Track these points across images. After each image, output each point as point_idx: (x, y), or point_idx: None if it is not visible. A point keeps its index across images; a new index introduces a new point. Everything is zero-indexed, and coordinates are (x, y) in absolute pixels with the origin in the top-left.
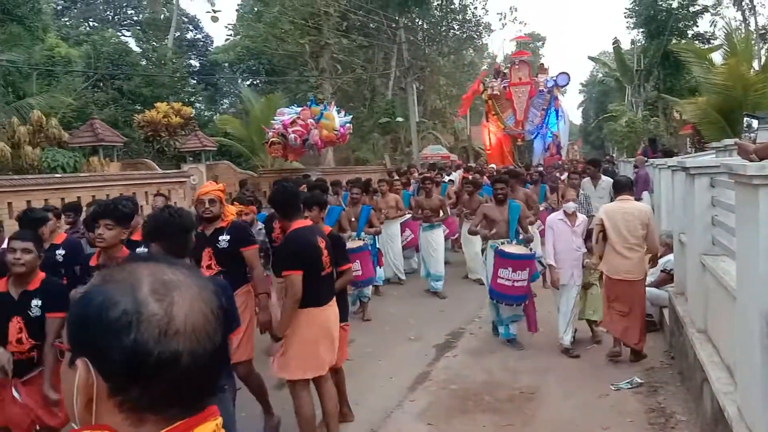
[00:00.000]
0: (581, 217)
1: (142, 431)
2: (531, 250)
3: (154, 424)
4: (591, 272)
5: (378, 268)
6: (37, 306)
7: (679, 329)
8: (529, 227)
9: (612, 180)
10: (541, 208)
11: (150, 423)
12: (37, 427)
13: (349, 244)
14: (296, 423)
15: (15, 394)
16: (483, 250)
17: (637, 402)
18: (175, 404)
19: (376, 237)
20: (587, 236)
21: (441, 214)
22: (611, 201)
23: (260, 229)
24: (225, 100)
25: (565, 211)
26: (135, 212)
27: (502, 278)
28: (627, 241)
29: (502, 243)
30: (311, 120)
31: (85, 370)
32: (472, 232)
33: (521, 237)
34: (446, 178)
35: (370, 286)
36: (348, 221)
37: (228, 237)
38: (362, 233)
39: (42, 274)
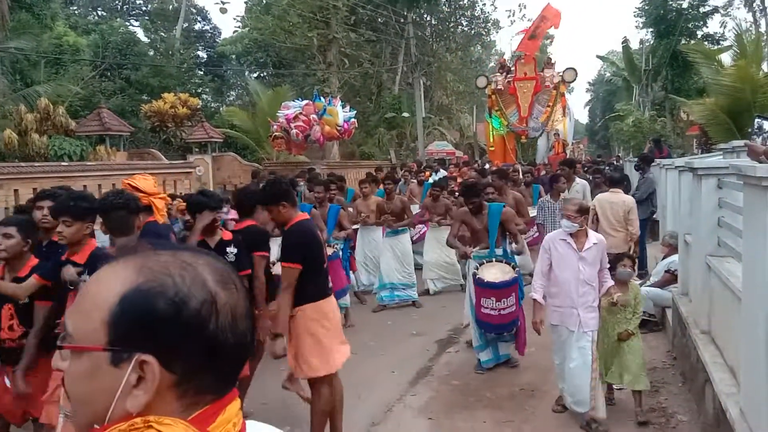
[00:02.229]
0: (595, 238)
1: (190, 413)
2: (515, 269)
3: (204, 404)
4: (627, 316)
5: (351, 274)
6: None
7: (682, 330)
8: (521, 237)
9: (586, 182)
10: (534, 212)
11: (202, 404)
12: (30, 418)
13: None
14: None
15: (7, 382)
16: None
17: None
18: (229, 382)
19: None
20: (612, 264)
21: (405, 217)
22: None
23: None
24: (232, 92)
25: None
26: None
27: (487, 308)
28: (612, 224)
29: (481, 263)
30: (314, 116)
31: (158, 367)
32: (450, 245)
33: (511, 248)
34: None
35: (347, 295)
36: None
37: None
38: (331, 238)
39: (34, 261)
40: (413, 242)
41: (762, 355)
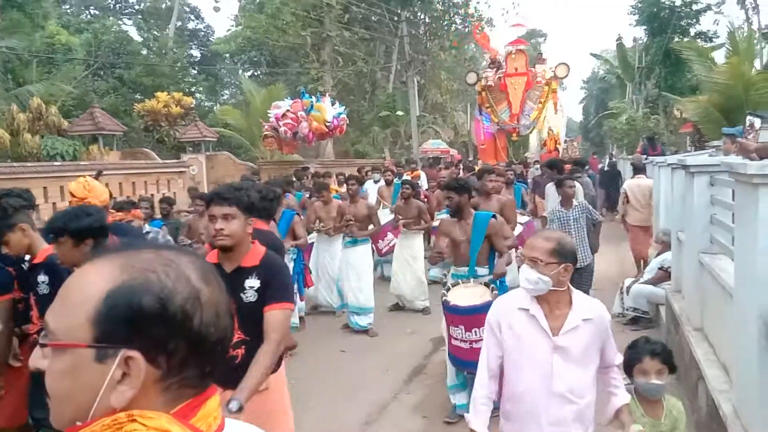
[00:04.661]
0: (587, 309)
1: (173, 406)
2: (493, 291)
3: (187, 398)
4: None
5: (305, 290)
6: None
7: (675, 327)
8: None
9: (579, 185)
10: (521, 220)
11: (185, 398)
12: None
13: None
14: None
15: None
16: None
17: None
18: (210, 377)
19: (303, 251)
20: (628, 361)
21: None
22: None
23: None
24: (226, 91)
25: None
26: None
27: (457, 339)
28: (640, 203)
29: (454, 284)
30: (301, 112)
31: (144, 362)
32: (433, 261)
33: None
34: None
35: (297, 314)
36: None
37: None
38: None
39: None
40: (383, 254)
41: (754, 351)
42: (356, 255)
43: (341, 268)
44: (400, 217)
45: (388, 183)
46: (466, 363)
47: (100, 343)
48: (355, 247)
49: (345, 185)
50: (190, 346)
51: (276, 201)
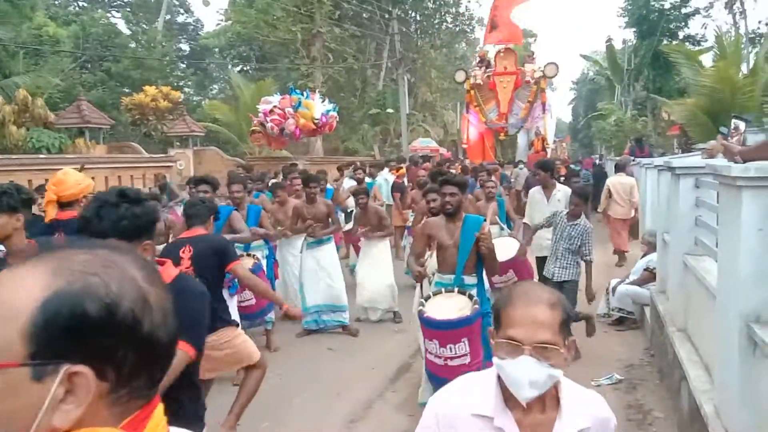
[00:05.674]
0: (584, 415)
1: (120, 420)
2: (475, 304)
3: (136, 409)
4: None
5: (275, 281)
6: None
7: (659, 327)
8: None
9: (569, 189)
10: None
11: (133, 409)
12: None
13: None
14: None
15: None
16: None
17: (615, 398)
18: (157, 384)
19: (273, 246)
20: None
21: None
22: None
23: None
24: (214, 86)
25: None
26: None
27: (431, 354)
28: (622, 198)
29: (436, 292)
30: (289, 109)
31: (93, 377)
32: (410, 267)
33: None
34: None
35: (272, 312)
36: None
37: None
38: (251, 245)
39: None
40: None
41: (735, 352)
42: (323, 254)
43: (304, 272)
44: (360, 227)
45: (359, 183)
46: (440, 380)
47: (37, 359)
48: (319, 246)
49: (306, 187)
50: (139, 353)
51: (202, 206)
